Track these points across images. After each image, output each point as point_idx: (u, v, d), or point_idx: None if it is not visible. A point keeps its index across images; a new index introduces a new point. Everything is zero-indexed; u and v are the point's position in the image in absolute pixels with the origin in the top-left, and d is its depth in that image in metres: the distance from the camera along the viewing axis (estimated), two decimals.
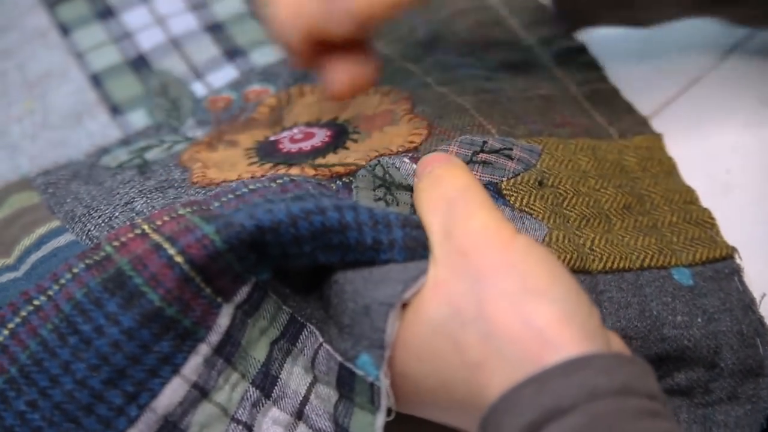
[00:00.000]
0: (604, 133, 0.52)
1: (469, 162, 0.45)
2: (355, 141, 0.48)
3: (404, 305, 0.37)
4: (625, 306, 0.42)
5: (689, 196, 0.49)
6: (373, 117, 0.50)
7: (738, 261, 0.46)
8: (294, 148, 0.48)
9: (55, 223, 0.46)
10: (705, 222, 0.47)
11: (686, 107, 0.57)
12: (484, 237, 0.37)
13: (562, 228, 0.44)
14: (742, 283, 0.45)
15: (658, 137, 0.53)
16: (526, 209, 0.43)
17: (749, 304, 0.44)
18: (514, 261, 0.36)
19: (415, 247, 0.39)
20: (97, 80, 0.58)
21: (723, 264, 0.46)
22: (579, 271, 0.42)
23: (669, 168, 0.51)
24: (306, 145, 0.48)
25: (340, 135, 0.49)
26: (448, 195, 0.39)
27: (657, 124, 0.55)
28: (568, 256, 0.42)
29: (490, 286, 0.35)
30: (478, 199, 0.39)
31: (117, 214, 0.44)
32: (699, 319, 0.42)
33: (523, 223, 0.43)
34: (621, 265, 0.43)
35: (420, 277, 0.37)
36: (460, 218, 0.38)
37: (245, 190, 0.41)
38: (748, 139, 0.55)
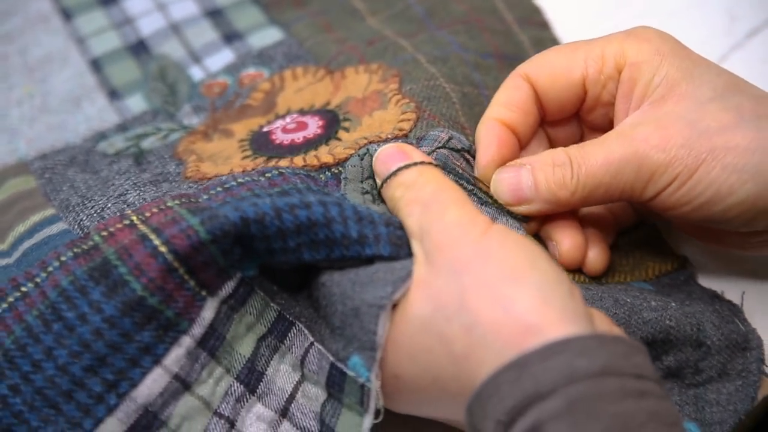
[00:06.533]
0: None
1: (457, 153, 0.45)
2: (347, 130, 0.48)
3: (393, 306, 0.37)
4: (599, 299, 0.42)
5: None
6: (363, 100, 0.50)
7: (690, 269, 0.47)
8: (286, 140, 0.48)
9: (49, 212, 0.46)
10: (656, 239, 0.48)
11: None
12: (459, 230, 0.37)
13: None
14: (699, 285, 0.46)
15: None
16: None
17: (714, 294, 0.45)
18: (490, 250, 0.36)
19: (400, 244, 0.39)
20: (96, 65, 0.58)
21: (677, 273, 0.47)
22: None
23: None
24: (298, 137, 0.48)
25: (332, 124, 0.49)
26: (421, 198, 0.39)
27: None
28: None
29: (470, 276, 0.35)
30: (451, 197, 0.39)
31: (109, 205, 0.44)
32: (673, 304, 0.43)
33: (507, 220, 0.43)
34: (581, 280, 0.45)
35: (408, 278, 0.37)
36: (434, 216, 0.38)
37: (234, 183, 0.41)
38: None
